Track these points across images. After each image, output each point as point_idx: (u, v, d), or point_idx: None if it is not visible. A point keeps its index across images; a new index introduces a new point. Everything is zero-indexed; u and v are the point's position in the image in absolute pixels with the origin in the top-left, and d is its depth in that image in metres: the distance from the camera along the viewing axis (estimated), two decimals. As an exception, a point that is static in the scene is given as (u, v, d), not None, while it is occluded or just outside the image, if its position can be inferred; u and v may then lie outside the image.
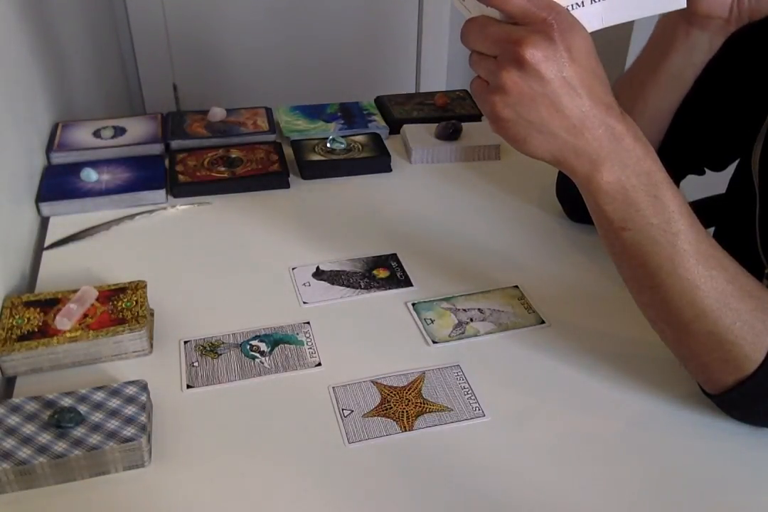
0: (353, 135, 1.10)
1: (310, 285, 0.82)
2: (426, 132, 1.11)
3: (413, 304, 0.78)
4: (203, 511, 0.57)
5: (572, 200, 0.91)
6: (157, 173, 1.00)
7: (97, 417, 0.61)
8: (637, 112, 0.77)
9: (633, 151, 0.54)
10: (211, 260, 0.86)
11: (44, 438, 0.59)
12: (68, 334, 0.69)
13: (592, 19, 0.52)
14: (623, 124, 0.53)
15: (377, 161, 1.05)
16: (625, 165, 0.54)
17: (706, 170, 0.87)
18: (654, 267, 0.56)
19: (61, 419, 0.60)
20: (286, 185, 1.01)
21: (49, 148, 1.04)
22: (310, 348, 0.72)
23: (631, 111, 0.76)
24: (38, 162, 1.01)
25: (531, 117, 0.52)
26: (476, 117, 1.17)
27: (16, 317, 0.71)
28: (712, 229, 0.89)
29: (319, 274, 0.83)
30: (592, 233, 0.91)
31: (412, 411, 0.65)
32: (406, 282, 0.82)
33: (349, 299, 0.80)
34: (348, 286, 0.81)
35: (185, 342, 0.73)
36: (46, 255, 0.87)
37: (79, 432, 0.59)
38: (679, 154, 0.79)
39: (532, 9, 0.49)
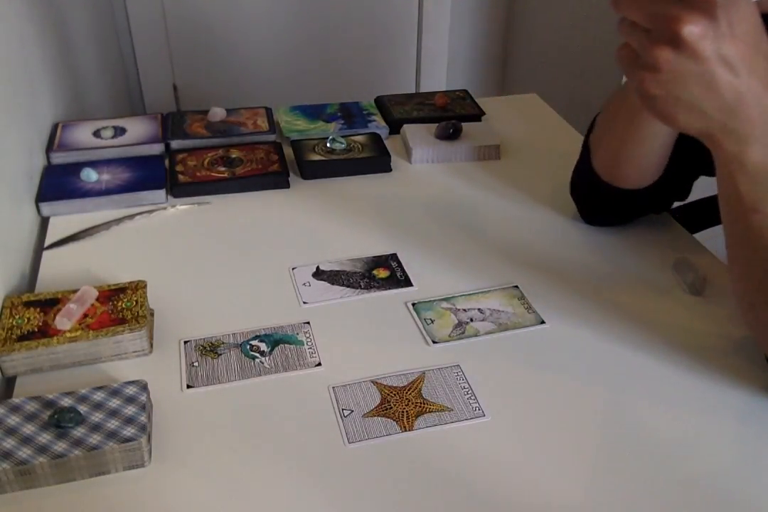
0: (353, 135, 1.10)
1: (310, 285, 0.82)
2: (426, 132, 1.11)
3: (413, 304, 0.78)
4: (203, 511, 0.57)
5: (599, 210, 0.91)
6: (157, 173, 1.00)
7: (97, 417, 0.61)
8: (649, 143, 0.77)
9: None
10: (211, 260, 0.86)
11: (44, 438, 0.59)
12: (68, 334, 0.69)
13: None
14: None
15: (377, 161, 1.05)
16: None
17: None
18: None
19: (61, 419, 0.60)
20: (286, 185, 1.01)
21: (49, 148, 1.04)
22: (310, 348, 0.72)
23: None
24: (38, 162, 1.01)
25: (682, 95, 0.50)
26: (476, 117, 1.17)
27: (16, 317, 0.71)
28: (712, 229, 0.89)
29: (319, 274, 0.83)
30: (591, 233, 0.91)
31: (412, 411, 0.65)
32: (406, 282, 0.82)
33: (349, 299, 0.80)
34: (348, 286, 0.81)
35: (185, 342, 0.73)
36: (46, 255, 0.87)
37: (79, 432, 0.59)
38: (689, 155, 0.78)
39: None
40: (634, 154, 0.79)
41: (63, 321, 0.70)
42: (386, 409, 0.65)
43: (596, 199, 0.90)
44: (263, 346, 0.72)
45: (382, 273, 0.84)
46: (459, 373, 0.69)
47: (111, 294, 0.74)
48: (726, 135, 0.53)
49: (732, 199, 0.57)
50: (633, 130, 0.77)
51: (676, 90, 0.50)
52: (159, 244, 0.89)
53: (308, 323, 0.76)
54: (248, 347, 0.72)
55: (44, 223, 0.93)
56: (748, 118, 0.51)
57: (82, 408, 0.62)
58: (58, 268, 0.84)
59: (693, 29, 0.47)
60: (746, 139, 0.52)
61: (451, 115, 1.17)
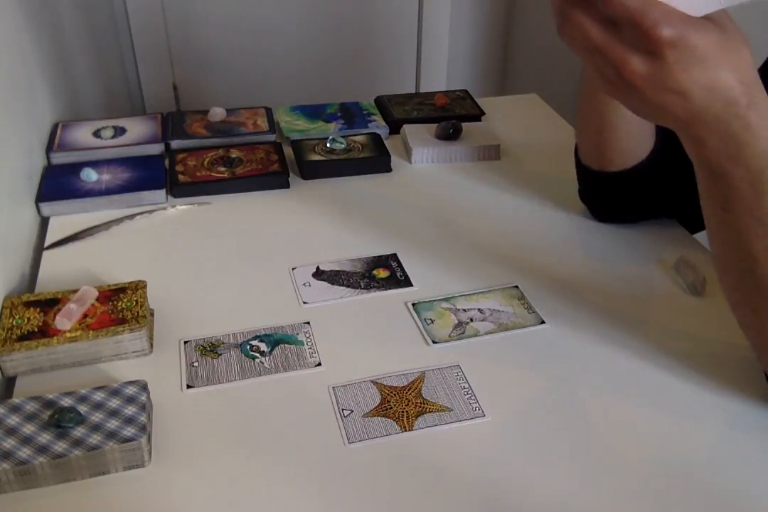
0: (353, 135, 1.10)
1: (310, 285, 0.82)
2: (426, 132, 1.11)
3: (413, 304, 0.78)
4: (203, 511, 0.57)
5: (600, 201, 0.92)
6: (157, 173, 1.00)
7: (97, 417, 0.61)
8: (620, 126, 0.80)
9: (747, 146, 0.52)
10: (211, 260, 0.86)
11: (44, 438, 0.59)
12: (68, 334, 0.69)
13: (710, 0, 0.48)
14: (743, 120, 0.52)
15: (377, 161, 1.05)
16: (734, 156, 0.53)
17: None
18: (748, 253, 0.56)
19: (61, 419, 0.60)
20: (286, 185, 1.01)
21: (49, 148, 1.04)
22: (310, 348, 0.72)
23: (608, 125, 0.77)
24: (38, 162, 1.01)
25: (642, 108, 0.53)
26: (476, 117, 1.17)
27: (16, 317, 0.71)
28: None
29: (319, 274, 0.83)
30: (591, 233, 0.91)
31: (412, 411, 0.65)
32: (406, 282, 0.82)
33: (349, 299, 0.80)
34: (348, 286, 0.81)
35: (185, 342, 0.73)
36: (46, 255, 0.87)
37: (79, 432, 0.59)
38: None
39: (635, 13, 0.47)
40: (611, 139, 0.82)
41: (63, 321, 0.70)
42: (386, 409, 0.65)
43: (594, 191, 0.91)
44: (263, 346, 0.72)
45: (382, 273, 0.84)
46: (459, 373, 0.69)
47: (111, 294, 0.74)
48: (685, 139, 0.54)
49: (703, 195, 0.58)
50: (604, 119, 0.80)
51: (634, 104, 0.53)
52: (159, 244, 0.89)
53: (308, 323, 0.76)
54: (248, 347, 0.72)
55: (44, 223, 0.93)
56: (702, 133, 0.52)
57: (82, 408, 0.61)
58: (58, 268, 0.84)
59: (635, 71, 0.48)
60: (703, 144, 0.53)
61: (451, 115, 1.17)
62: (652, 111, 0.52)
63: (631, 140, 0.82)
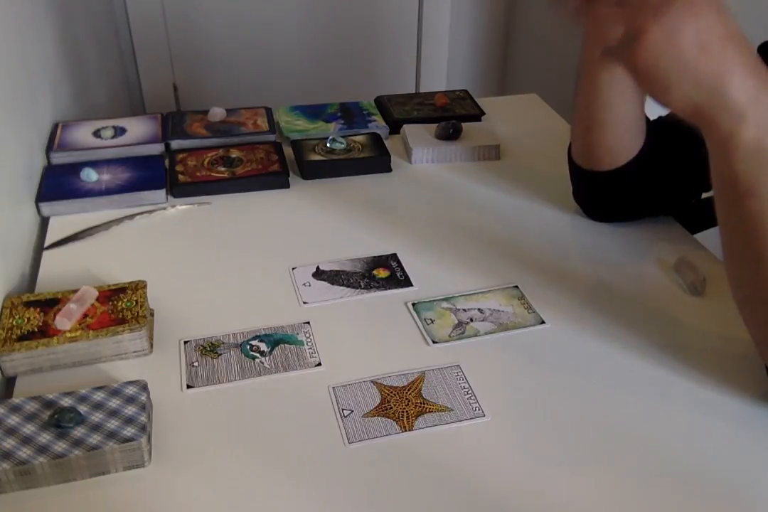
0: (353, 135, 1.10)
1: (310, 285, 0.82)
2: (426, 132, 1.11)
3: (413, 304, 0.78)
4: (203, 511, 0.57)
5: (591, 200, 0.92)
6: (157, 173, 1.00)
7: (97, 417, 0.61)
8: (607, 125, 0.81)
9: None
10: (211, 260, 0.86)
11: (44, 438, 0.59)
12: (68, 334, 0.69)
13: None
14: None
15: (377, 161, 1.05)
16: None
17: None
18: (760, 241, 0.55)
19: (61, 419, 0.60)
20: (286, 185, 1.01)
21: (49, 148, 1.04)
22: (310, 348, 0.72)
23: (602, 126, 0.78)
24: (38, 162, 1.01)
25: (667, 76, 0.52)
26: (476, 117, 1.17)
27: (16, 317, 0.71)
28: (712, 229, 0.89)
29: (319, 274, 0.83)
30: (591, 233, 0.91)
31: (412, 411, 0.65)
32: (406, 282, 0.82)
33: (349, 299, 0.80)
34: (348, 286, 0.81)
35: (185, 342, 0.73)
36: (46, 255, 0.87)
37: (79, 432, 0.59)
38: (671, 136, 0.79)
39: None
40: (599, 138, 0.84)
41: (63, 321, 0.70)
42: (386, 409, 0.65)
43: (586, 190, 0.92)
44: (263, 346, 0.72)
45: (382, 273, 0.84)
46: (459, 373, 0.69)
47: (111, 294, 0.74)
48: (717, 110, 0.53)
49: (726, 184, 0.56)
50: (593, 117, 0.81)
51: (658, 70, 0.51)
52: (159, 244, 0.89)
53: (308, 323, 0.76)
54: (248, 347, 0.72)
55: (44, 223, 0.93)
56: (735, 98, 0.51)
57: (82, 408, 0.62)
58: (58, 268, 0.84)
59: (652, 31, 0.49)
60: (738, 116, 0.52)
61: (451, 115, 1.17)
62: (675, 75, 0.51)
63: (619, 139, 0.83)
